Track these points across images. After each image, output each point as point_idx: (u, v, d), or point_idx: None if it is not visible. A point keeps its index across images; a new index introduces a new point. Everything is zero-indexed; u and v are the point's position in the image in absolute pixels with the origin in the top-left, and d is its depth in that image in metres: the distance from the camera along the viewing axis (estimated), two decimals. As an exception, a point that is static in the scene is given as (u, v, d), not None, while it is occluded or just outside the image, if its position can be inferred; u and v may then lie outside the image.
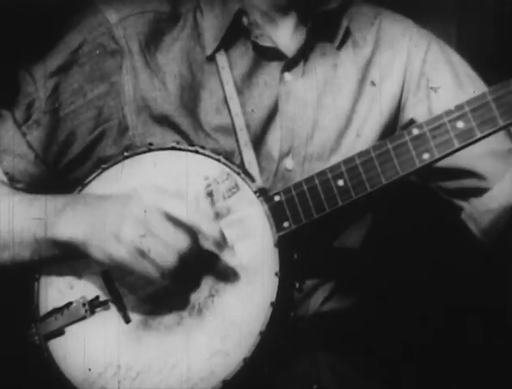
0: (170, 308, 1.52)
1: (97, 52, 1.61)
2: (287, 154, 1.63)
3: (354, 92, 1.68)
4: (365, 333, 1.76)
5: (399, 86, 1.68)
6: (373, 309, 1.78)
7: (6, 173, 1.62)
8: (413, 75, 1.70)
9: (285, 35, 1.66)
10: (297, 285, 1.54)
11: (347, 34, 1.70)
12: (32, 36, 1.80)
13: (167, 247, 1.44)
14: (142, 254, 1.44)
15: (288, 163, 1.63)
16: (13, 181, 1.62)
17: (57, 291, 1.59)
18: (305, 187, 1.51)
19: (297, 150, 1.64)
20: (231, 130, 1.60)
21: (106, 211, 1.48)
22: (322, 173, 1.50)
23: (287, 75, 1.64)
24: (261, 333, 1.48)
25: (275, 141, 1.63)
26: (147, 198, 1.48)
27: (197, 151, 1.55)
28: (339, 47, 1.69)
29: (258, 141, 1.62)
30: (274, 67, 1.64)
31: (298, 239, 1.54)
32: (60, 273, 1.58)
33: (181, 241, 1.45)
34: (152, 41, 1.61)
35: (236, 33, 1.63)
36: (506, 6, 2.21)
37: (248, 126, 1.61)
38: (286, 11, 1.65)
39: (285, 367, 1.65)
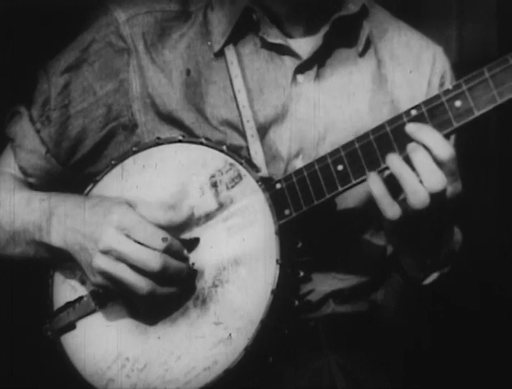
0: (175, 300, 1.53)
1: (106, 50, 1.65)
2: (296, 155, 1.63)
3: (370, 100, 1.66)
4: (377, 335, 1.73)
5: None
6: (385, 312, 1.74)
7: (20, 167, 1.68)
8: None
9: (296, 35, 1.65)
10: (302, 274, 1.52)
11: (369, 42, 1.69)
12: (52, 35, 1.86)
13: (148, 251, 1.48)
14: (124, 260, 1.49)
15: (298, 164, 1.61)
16: (26, 175, 1.69)
17: (69, 286, 1.62)
18: (305, 173, 1.50)
19: (308, 151, 1.63)
20: (238, 123, 1.61)
21: (84, 221, 1.53)
22: (321, 159, 1.49)
23: (299, 77, 1.64)
24: (262, 321, 1.46)
25: (283, 141, 1.62)
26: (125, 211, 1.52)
27: (202, 143, 1.56)
28: (362, 54, 1.68)
29: (265, 138, 1.62)
30: (287, 67, 1.63)
31: (304, 227, 1.53)
32: (72, 268, 1.61)
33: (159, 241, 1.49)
34: (159, 39, 1.64)
35: (245, 29, 1.64)
36: (507, 6, 2.19)
37: (255, 120, 1.61)
38: (295, 12, 1.64)
39: (296, 363, 1.63)
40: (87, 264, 1.52)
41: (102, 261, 1.49)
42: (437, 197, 1.40)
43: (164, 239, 1.49)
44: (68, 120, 1.66)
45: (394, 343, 1.77)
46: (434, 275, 1.57)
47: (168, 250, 1.49)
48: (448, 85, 1.68)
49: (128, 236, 1.48)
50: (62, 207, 1.57)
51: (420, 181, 1.40)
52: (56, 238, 1.56)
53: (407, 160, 1.42)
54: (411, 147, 1.42)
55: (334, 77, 1.65)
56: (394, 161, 1.42)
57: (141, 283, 1.48)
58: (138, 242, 1.48)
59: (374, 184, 1.43)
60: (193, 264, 1.52)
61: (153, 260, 1.47)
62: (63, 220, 1.56)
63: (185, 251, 1.52)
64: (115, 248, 1.48)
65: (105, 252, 1.49)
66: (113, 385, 1.54)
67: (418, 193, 1.40)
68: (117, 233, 1.48)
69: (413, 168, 1.41)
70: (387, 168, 1.45)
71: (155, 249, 1.48)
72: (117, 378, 1.54)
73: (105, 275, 1.49)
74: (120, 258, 1.48)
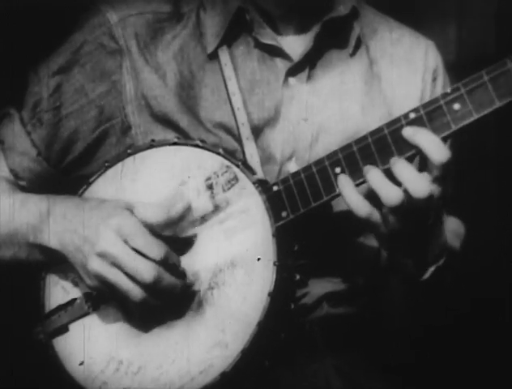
0: (171, 302, 1.51)
1: (98, 51, 1.64)
2: (289, 157, 1.62)
3: (362, 100, 1.66)
4: (373, 337, 1.72)
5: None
6: (381, 313, 1.74)
7: (11, 170, 1.66)
8: (427, 96, 1.69)
9: (287, 36, 1.65)
10: (298, 277, 1.51)
11: (360, 41, 1.68)
12: (43, 36, 1.85)
13: (142, 260, 1.46)
14: (118, 266, 1.47)
15: (292, 166, 1.61)
16: (17, 178, 1.67)
17: (61, 289, 1.60)
18: (302, 176, 1.49)
19: (301, 153, 1.62)
20: (233, 126, 1.60)
21: (83, 223, 1.51)
22: (319, 161, 1.49)
23: (291, 79, 1.63)
24: (258, 324, 1.45)
25: (276, 144, 1.62)
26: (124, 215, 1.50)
27: (197, 145, 1.55)
28: (353, 55, 1.67)
29: (259, 140, 1.61)
30: (278, 69, 1.63)
31: (301, 230, 1.52)
32: (64, 271, 1.59)
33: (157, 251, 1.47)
34: (152, 40, 1.63)
35: (238, 31, 1.63)
36: (506, 7, 2.19)
37: (250, 122, 1.60)
38: (288, 13, 1.64)
39: (292, 366, 1.62)
40: (82, 266, 1.50)
41: (97, 264, 1.47)
42: (423, 202, 1.40)
43: (161, 250, 1.47)
44: (60, 122, 1.65)
45: (390, 344, 1.77)
46: (431, 270, 1.55)
47: (164, 263, 1.47)
48: (440, 79, 1.69)
49: (126, 242, 1.47)
50: (60, 207, 1.55)
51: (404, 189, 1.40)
52: (52, 239, 1.54)
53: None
54: (392, 161, 1.43)
55: (325, 78, 1.65)
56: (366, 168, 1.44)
57: (134, 290, 1.46)
58: (136, 250, 1.46)
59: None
60: (189, 284, 1.51)
61: (146, 271, 1.45)
62: (60, 221, 1.54)
63: (183, 267, 1.51)
64: (111, 253, 1.46)
65: (101, 255, 1.47)
66: (107, 388, 1.53)
67: (389, 193, 1.41)
68: (115, 238, 1.47)
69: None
70: (385, 170, 1.44)
71: (151, 259, 1.46)
72: (110, 382, 1.53)
73: (100, 278, 1.48)
74: (115, 264, 1.46)
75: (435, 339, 2.09)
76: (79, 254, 1.50)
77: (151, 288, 1.46)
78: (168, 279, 1.47)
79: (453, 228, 1.71)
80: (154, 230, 1.49)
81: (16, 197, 1.61)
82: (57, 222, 1.54)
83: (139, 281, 1.45)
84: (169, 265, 1.48)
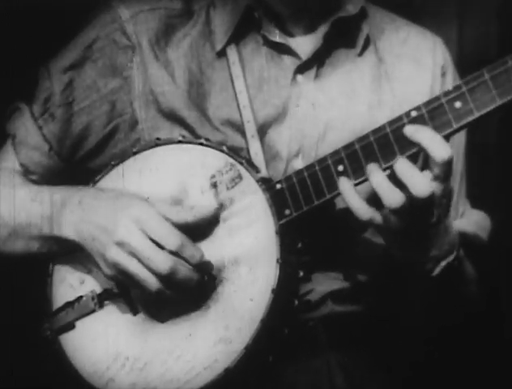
0: (175, 299, 1.53)
1: (110, 47, 1.65)
2: (296, 155, 1.63)
3: (370, 100, 1.67)
4: (378, 335, 1.73)
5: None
6: (386, 311, 1.74)
7: (22, 165, 1.68)
8: (437, 92, 1.68)
9: (296, 36, 1.67)
10: (301, 274, 1.53)
11: (368, 41, 1.69)
12: (53, 33, 1.86)
13: (159, 251, 1.48)
14: (136, 255, 1.48)
15: (298, 164, 1.62)
16: (28, 173, 1.68)
17: (68, 286, 1.62)
18: (305, 174, 1.51)
19: (307, 151, 1.63)
20: (239, 124, 1.61)
21: (100, 213, 1.53)
22: (322, 160, 1.50)
23: (299, 77, 1.65)
24: (262, 320, 1.47)
25: (283, 141, 1.63)
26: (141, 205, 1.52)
27: (202, 144, 1.57)
28: (360, 54, 1.68)
29: (265, 138, 1.62)
30: (287, 67, 1.64)
31: (304, 228, 1.54)
32: (71, 268, 1.61)
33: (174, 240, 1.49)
34: (162, 37, 1.65)
35: (246, 29, 1.65)
36: (508, 6, 2.19)
37: (255, 120, 1.62)
38: (297, 13, 1.66)
39: (296, 363, 1.63)
40: (100, 255, 1.51)
41: (115, 253, 1.49)
42: (424, 201, 1.41)
43: (178, 241, 1.48)
44: (72, 117, 1.67)
45: (395, 342, 1.77)
46: (442, 265, 1.56)
47: (180, 253, 1.48)
48: (450, 74, 1.69)
49: (144, 231, 1.48)
50: (76, 198, 1.57)
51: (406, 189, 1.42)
52: (68, 230, 1.56)
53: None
54: (394, 160, 1.44)
55: (333, 77, 1.66)
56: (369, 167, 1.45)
57: (150, 280, 1.48)
58: (154, 241, 1.48)
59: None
60: (207, 276, 1.52)
61: (162, 261, 1.47)
62: (76, 211, 1.55)
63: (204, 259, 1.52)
64: (128, 242, 1.48)
65: (119, 244, 1.48)
66: (113, 384, 1.54)
67: (390, 196, 1.42)
68: (132, 227, 1.48)
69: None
70: (387, 168, 1.45)
71: (168, 250, 1.48)
72: (116, 378, 1.54)
73: (117, 267, 1.49)
74: (132, 253, 1.48)
75: (442, 339, 2.10)
76: (97, 243, 1.51)
77: (167, 279, 1.47)
78: (184, 271, 1.48)
79: (477, 220, 1.73)
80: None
81: (29, 189, 1.64)
82: (73, 212, 1.56)
83: (155, 272, 1.47)
84: (187, 256, 1.49)
